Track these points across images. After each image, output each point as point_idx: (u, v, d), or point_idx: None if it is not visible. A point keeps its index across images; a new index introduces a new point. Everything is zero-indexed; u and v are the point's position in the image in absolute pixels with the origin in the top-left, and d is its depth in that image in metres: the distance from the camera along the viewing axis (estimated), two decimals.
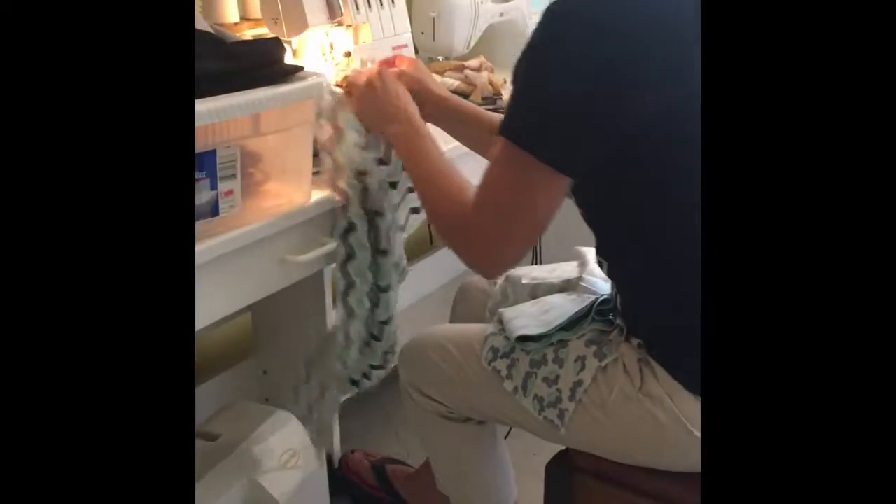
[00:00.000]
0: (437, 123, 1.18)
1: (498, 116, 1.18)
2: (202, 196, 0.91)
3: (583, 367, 1.00)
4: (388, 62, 1.21)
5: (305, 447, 1.30)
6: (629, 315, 1.01)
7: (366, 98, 1.09)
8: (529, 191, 0.89)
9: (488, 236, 0.92)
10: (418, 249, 2.14)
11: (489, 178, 0.92)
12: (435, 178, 1.02)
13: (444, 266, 2.19)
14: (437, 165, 1.03)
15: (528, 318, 1.07)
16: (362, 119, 1.09)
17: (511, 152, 0.87)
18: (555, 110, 0.85)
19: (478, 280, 1.36)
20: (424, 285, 2.09)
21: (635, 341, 0.99)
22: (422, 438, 1.26)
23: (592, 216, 1.00)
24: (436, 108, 1.16)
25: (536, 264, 1.58)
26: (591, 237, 1.19)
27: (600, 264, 1.04)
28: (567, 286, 1.22)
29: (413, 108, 1.09)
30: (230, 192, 0.94)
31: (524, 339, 1.04)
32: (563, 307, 1.08)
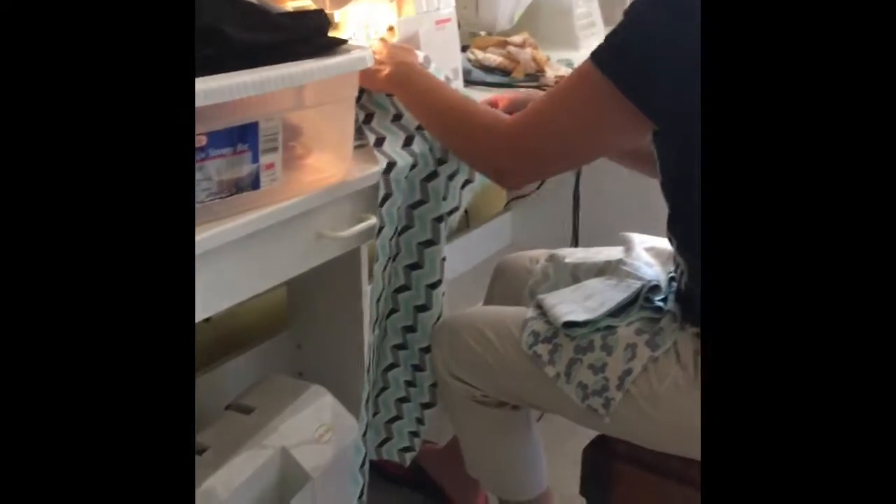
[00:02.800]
0: None
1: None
2: (243, 169, 0.90)
3: (633, 356, 0.98)
4: None
5: (339, 423, 1.30)
6: (693, 299, 0.99)
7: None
8: (595, 121, 0.91)
9: (532, 152, 0.96)
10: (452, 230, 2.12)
11: (554, 97, 0.95)
12: (448, 102, 1.05)
13: (476, 247, 2.18)
14: (447, 93, 1.07)
15: (571, 303, 1.05)
16: (368, 85, 1.09)
17: (591, 77, 0.89)
18: (649, 47, 0.87)
19: (517, 258, 1.34)
20: (457, 266, 2.07)
21: (691, 330, 0.97)
22: (454, 421, 1.25)
23: (669, 180, 0.98)
24: None
25: (575, 247, 1.56)
26: (633, 224, 1.17)
27: (670, 240, 1.02)
28: (607, 268, 1.19)
29: (406, 55, 1.10)
30: (271, 166, 0.93)
31: (569, 324, 1.03)
32: (605, 293, 1.06)
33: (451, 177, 1.14)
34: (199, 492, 1.10)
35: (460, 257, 2.05)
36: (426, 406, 1.28)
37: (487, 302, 1.37)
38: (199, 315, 0.92)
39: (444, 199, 1.14)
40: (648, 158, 1.11)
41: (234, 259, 0.92)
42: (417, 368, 1.26)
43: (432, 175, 1.12)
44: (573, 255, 1.25)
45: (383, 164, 1.04)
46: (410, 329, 1.24)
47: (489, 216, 2.28)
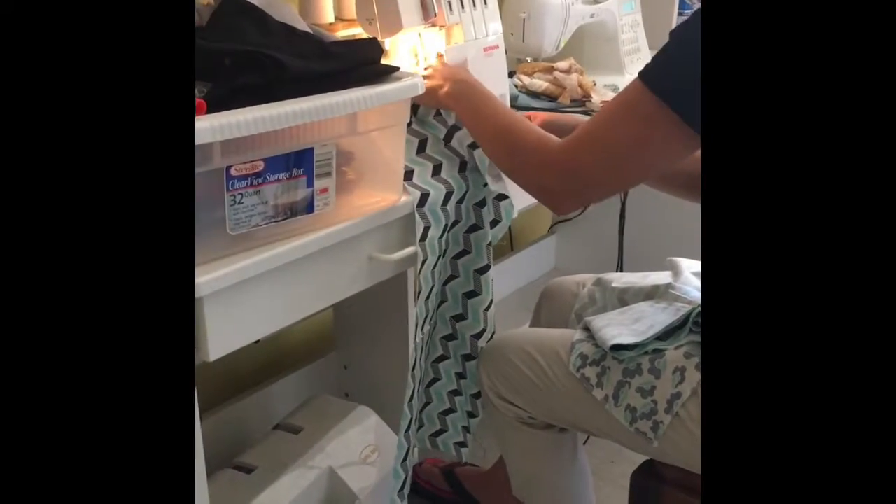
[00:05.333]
0: None
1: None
2: (298, 193, 0.92)
3: (682, 380, 0.98)
4: None
5: (385, 443, 1.31)
6: None
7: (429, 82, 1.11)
8: (644, 139, 0.91)
9: (581, 172, 0.97)
10: (496, 252, 2.14)
11: (602, 118, 0.95)
12: (503, 120, 1.06)
13: (520, 270, 2.19)
14: (502, 110, 1.08)
15: (619, 326, 1.06)
16: (426, 102, 1.12)
17: (641, 96, 0.90)
18: (697, 63, 0.87)
19: (563, 282, 1.35)
20: (501, 289, 2.08)
21: None
22: (501, 442, 1.26)
23: None
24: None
25: (619, 271, 1.55)
26: (678, 249, 1.17)
27: None
28: (655, 292, 1.19)
29: (465, 73, 1.13)
30: (325, 190, 0.95)
31: (617, 347, 1.03)
32: (654, 316, 1.06)
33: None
34: None
35: (504, 281, 2.06)
36: (476, 396, 1.30)
37: (534, 326, 1.37)
38: (256, 336, 0.94)
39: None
40: (686, 181, 1.12)
41: (288, 281, 0.94)
42: (468, 358, 1.28)
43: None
44: (620, 279, 1.25)
45: (416, 196, 1.06)
46: (460, 317, 1.26)
47: (533, 239, 2.29)
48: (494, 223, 1.19)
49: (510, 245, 2.21)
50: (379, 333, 1.49)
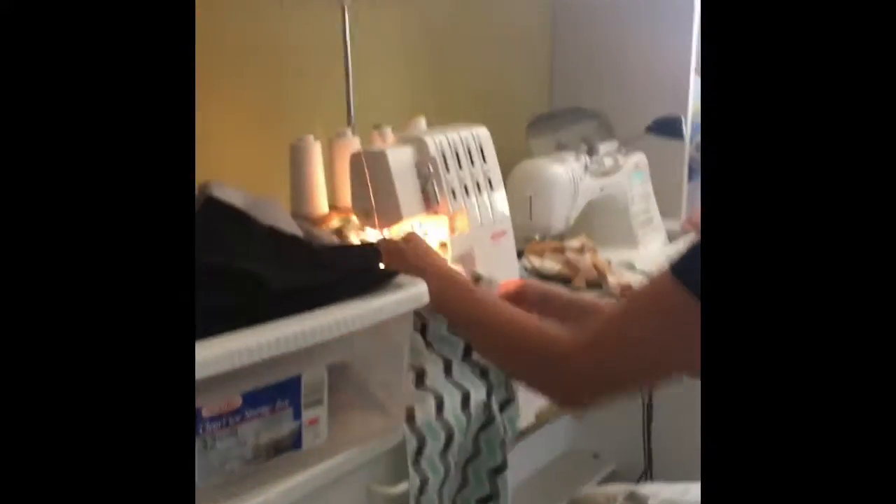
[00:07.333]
0: None
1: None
2: (283, 427, 0.78)
3: None
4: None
5: None
6: None
7: (393, 262, 0.97)
8: (674, 334, 0.82)
9: (602, 372, 0.87)
10: None
11: (627, 313, 0.86)
12: (498, 318, 0.95)
13: (532, 452, 2.01)
14: (493, 307, 0.96)
15: None
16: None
17: (669, 289, 0.81)
18: None
19: (593, 496, 1.18)
20: (514, 473, 1.90)
21: None
22: None
23: None
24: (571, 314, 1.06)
25: (647, 479, 1.39)
26: None
27: None
28: None
29: (442, 261, 1.02)
30: (315, 421, 0.81)
31: None
32: None
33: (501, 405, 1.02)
34: None
35: (516, 463, 1.87)
36: None
37: None
38: None
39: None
40: None
41: None
42: None
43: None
44: (657, 494, 1.09)
45: (431, 407, 0.92)
46: None
47: (545, 418, 2.12)
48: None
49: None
50: None
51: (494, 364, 0.99)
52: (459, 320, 0.97)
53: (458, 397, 0.95)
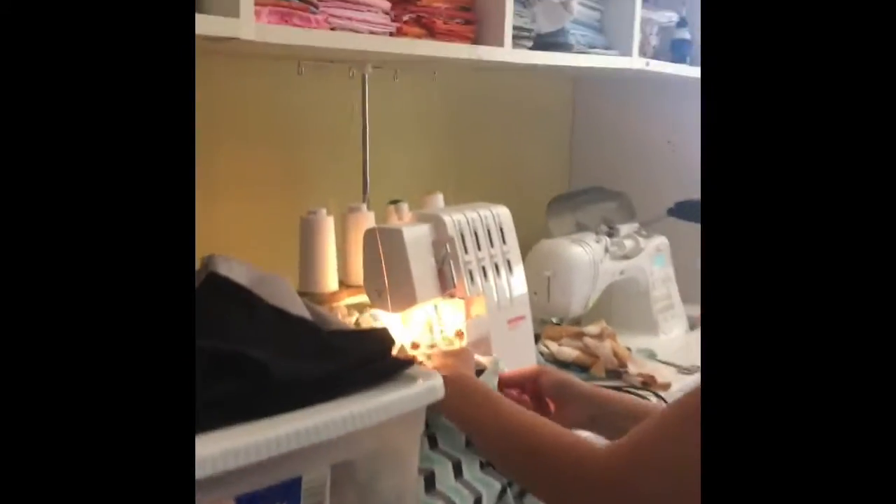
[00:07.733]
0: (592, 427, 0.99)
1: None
2: None
3: None
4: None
5: None
6: None
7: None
8: None
9: (640, 493, 0.78)
10: None
11: (667, 427, 0.78)
12: (521, 426, 0.85)
13: None
14: (515, 415, 0.86)
15: None
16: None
17: None
18: None
19: None
20: None
21: None
22: None
23: None
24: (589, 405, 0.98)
25: None
26: None
27: None
28: None
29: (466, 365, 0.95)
30: None
31: None
32: None
33: None
34: None
35: None
36: None
37: None
38: None
39: None
40: None
41: None
42: None
43: None
44: None
45: None
46: None
47: None
48: None
49: None
50: None
51: (511, 476, 0.91)
52: (475, 423, 0.90)
53: (470, 501, 0.88)
